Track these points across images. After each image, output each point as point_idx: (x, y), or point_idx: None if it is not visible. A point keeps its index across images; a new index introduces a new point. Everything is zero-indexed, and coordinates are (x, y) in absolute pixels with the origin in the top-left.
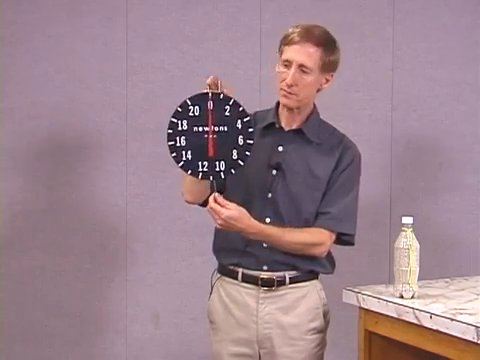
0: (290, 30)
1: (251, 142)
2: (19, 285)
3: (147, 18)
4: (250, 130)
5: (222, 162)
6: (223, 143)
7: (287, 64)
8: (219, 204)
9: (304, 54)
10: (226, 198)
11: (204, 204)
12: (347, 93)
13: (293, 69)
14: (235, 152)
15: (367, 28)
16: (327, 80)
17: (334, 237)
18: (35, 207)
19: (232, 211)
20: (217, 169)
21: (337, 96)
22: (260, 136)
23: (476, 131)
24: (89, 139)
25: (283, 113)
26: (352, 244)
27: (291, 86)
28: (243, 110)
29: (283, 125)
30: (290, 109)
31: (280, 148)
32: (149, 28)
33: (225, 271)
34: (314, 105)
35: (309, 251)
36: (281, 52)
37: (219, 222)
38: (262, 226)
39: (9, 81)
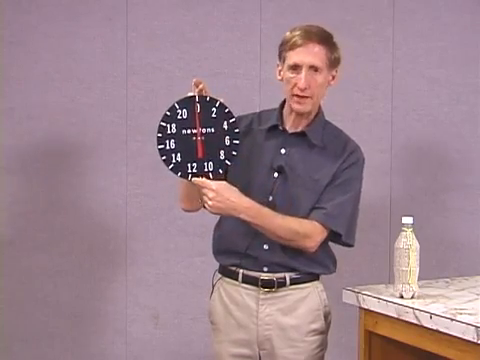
0: (288, 34)
1: (237, 142)
2: (19, 285)
3: (147, 18)
4: (236, 130)
5: (210, 162)
6: (210, 144)
7: (295, 68)
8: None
9: (311, 55)
10: None
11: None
12: (347, 93)
13: (304, 72)
14: (222, 152)
15: (367, 28)
16: (333, 77)
17: (326, 233)
18: (35, 207)
19: (222, 182)
20: (206, 170)
21: (337, 96)
22: (263, 138)
23: (476, 131)
24: (89, 139)
25: (289, 116)
26: (351, 246)
27: (305, 89)
28: (229, 111)
29: (287, 127)
30: (301, 114)
31: (283, 151)
32: (149, 28)
33: (226, 272)
34: (319, 107)
35: (299, 242)
36: (283, 58)
37: (211, 195)
38: (255, 203)
39: (9, 81)
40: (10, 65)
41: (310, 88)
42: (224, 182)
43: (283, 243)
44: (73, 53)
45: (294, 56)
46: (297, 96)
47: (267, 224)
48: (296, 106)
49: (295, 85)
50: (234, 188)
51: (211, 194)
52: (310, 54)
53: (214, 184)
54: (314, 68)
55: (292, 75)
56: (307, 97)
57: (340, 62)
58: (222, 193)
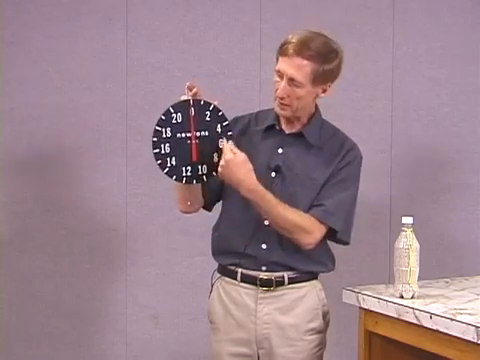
0: (288, 38)
1: None
2: (19, 285)
3: (147, 18)
4: (229, 133)
5: (204, 165)
6: (204, 147)
7: (279, 75)
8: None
9: (294, 68)
10: (225, 198)
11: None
12: (347, 93)
13: (284, 82)
14: (216, 155)
15: (367, 28)
16: (324, 90)
17: (324, 231)
18: (35, 207)
19: (239, 155)
20: (200, 173)
21: (337, 96)
22: (260, 138)
23: (476, 131)
24: (89, 139)
25: (282, 118)
26: (347, 243)
27: (283, 98)
28: (222, 114)
29: (283, 127)
30: (287, 118)
31: (280, 150)
32: (149, 28)
33: (224, 271)
34: (316, 107)
35: (298, 235)
36: (277, 59)
37: (221, 163)
38: (261, 187)
39: (9, 81)
40: (10, 65)
41: (288, 98)
42: (242, 155)
43: (282, 233)
44: (73, 53)
45: (280, 63)
46: (277, 101)
47: (268, 209)
48: (277, 109)
49: (276, 90)
50: (249, 165)
51: (222, 162)
52: (294, 67)
53: (228, 154)
54: (294, 81)
55: (277, 80)
56: (286, 104)
57: (334, 75)
58: (231, 167)
